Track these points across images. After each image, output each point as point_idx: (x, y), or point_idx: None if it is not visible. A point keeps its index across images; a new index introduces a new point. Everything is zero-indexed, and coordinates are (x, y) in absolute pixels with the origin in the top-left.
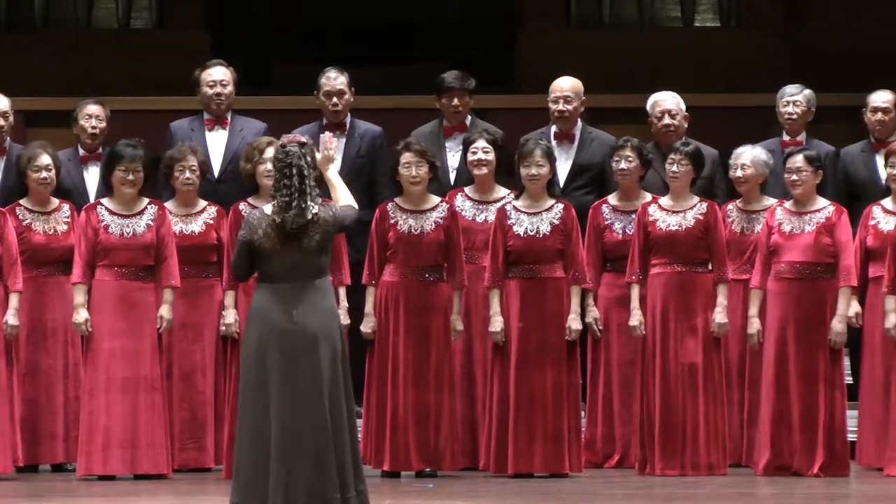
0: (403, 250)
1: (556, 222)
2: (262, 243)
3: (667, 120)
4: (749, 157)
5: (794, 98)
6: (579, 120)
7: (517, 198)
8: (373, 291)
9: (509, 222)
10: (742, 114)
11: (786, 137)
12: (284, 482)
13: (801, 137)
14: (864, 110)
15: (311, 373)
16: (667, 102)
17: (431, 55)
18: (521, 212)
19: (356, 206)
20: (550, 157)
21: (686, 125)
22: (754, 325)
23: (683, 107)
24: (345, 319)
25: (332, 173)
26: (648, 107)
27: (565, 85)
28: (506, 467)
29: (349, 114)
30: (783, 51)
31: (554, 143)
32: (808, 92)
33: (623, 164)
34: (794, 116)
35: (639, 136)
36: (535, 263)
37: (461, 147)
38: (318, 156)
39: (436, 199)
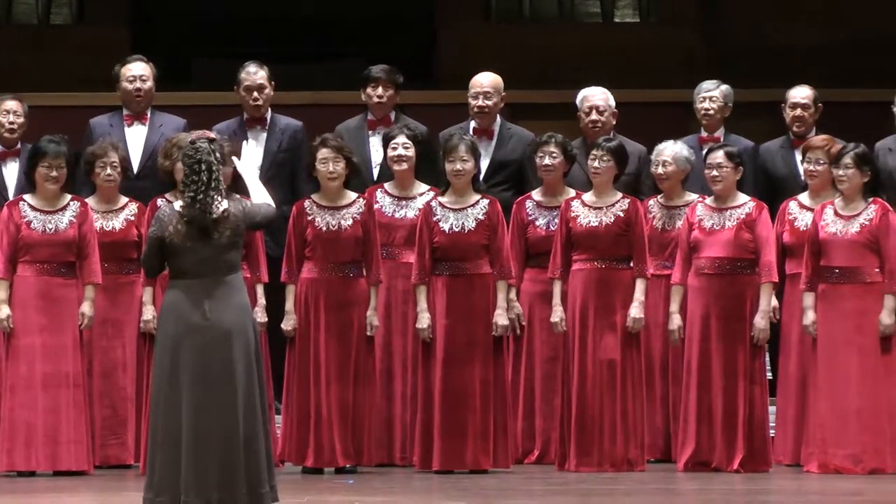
0: (322, 247)
1: (482, 218)
2: (173, 239)
3: (594, 116)
4: (670, 153)
5: (711, 94)
6: (498, 116)
7: (442, 194)
8: (293, 289)
9: (435, 218)
10: (661, 109)
11: (704, 133)
12: (196, 477)
13: (720, 133)
14: (783, 106)
15: (223, 369)
16: (595, 98)
17: (352, 51)
18: (447, 208)
19: (273, 205)
20: (475, 153)
21: (614, 122)
22: (675, 321)
23: (612, 103)
24: (262, 317)
25: (249, 173)
26: (578, 101)
27: (485, 81)
28: (431, 463)
29: (269, 108)
30: (702, 47)
31: (474, 139)
32: (724, 87)
33: (547, 160)
34: (711, 112)
35: (559, 132)
36: (460, 260)
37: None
38: (237, 163)
39: (353, 195)
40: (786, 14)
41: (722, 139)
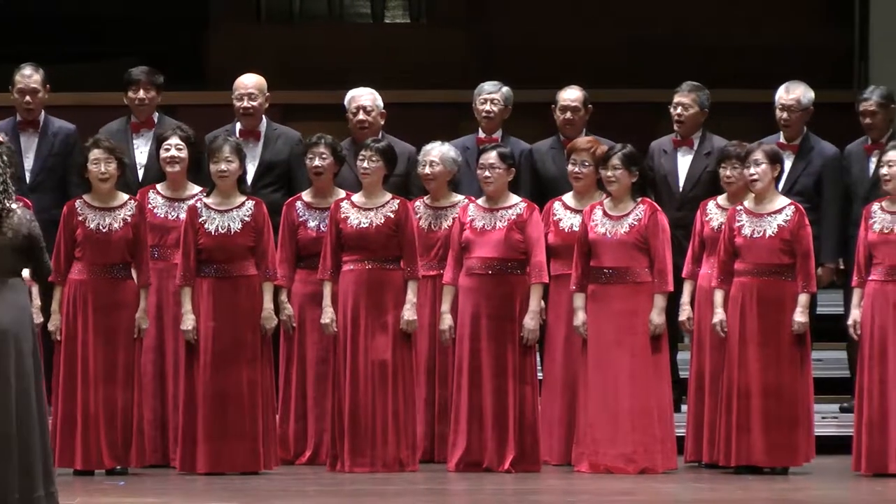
0: (91, 248)
1: (248, 219)
2: None
3: (361, 116)
4: (437, 153)
5: (492, 96)
6: (264, 117)
7: (208, 195)
8: (59, 289)
9: (200, 220)
10: (432, 110)
11: (482, 135)
12: None
13: (497, 135)
14: (553, 107)
15: None
16: (362, 99)
17: (123, 51)
18: (212, 209)
19: (50, 264)
20: (240, 154)
21: (382, 122)
22: (446, 322)
23: (380, 103)
24: (38, 318)
25: None
26: (346, 102)
27: (248, 81)
28: (195, 465)
29: (43, 111)
30: (472, 48)
31: (240, 140)
32: (505, 90)
33: (317, 162)
34: (492, 114)
35: (331, 133)
36: (226, 262)
37: (149, 143)
38: None
39: (124, 197)
40: (556, 15)
41: (500, 140)
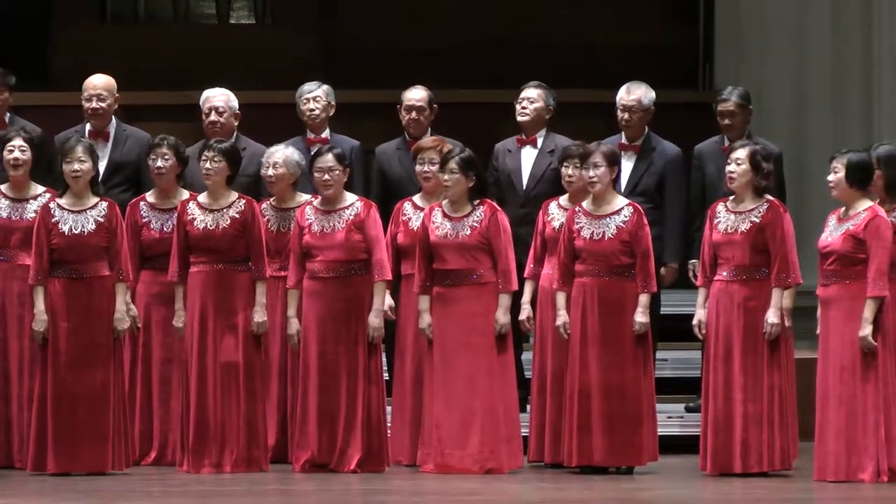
0: None
1: (101, 220)
2: None
3: (213, 117)
4: (281, 156)
5: (314, 94)
6: (113, 117)
7: (61, 196)
8: None
9: (54, 220)
10: (278, 111)
11: (311, 135)
12: None
13: (326, 134)
14: (398, 107)
15: None
16: (216, 99)
17: None
18: (66, 209)
19: None
20: (93, 154)
21: (236, 123)
22: (293, 326)
23: (234, 104)
24: None
25: None
26: (200, 102)
27: (97, 82)
28: (45, 466)
29: None
30: (318, 48)
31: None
32: (326, 87)
33: (159, 163)
34: (316, 112)
35: (179, 133)
36: (79, 262)
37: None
38: None
39: None
40: (403, 16)
41: (329, 140)
